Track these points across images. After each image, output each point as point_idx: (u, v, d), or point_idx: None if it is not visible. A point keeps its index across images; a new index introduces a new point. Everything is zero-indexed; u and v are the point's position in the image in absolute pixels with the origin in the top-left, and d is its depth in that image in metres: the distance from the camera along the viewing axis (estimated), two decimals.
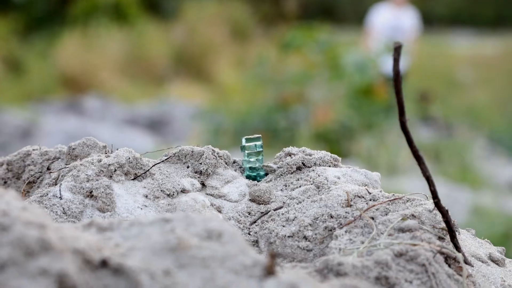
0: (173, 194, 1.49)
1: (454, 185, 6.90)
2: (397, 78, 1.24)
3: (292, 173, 1.56)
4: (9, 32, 12.69)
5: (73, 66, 11.70)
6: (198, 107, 9.60)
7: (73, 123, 8.47)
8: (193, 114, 8.93)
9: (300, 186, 1.53)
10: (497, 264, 1.44)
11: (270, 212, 1.49)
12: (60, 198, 1.42)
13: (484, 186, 7.28)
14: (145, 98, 10.86)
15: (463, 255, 1.35)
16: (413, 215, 1.38)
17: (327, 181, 1.52)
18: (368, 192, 1.47)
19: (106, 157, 1.50)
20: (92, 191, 1.43)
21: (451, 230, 1.35)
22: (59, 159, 1.59)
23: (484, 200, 6.60)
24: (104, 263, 1.04)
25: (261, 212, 1.51)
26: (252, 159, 1.58)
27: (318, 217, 1.43)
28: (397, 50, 1.23)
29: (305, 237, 1.42)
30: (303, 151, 1.60)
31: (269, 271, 1.08)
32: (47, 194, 1.43)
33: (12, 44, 12.61)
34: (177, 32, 13.44)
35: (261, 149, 1.58)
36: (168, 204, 1.47)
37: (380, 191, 1.48)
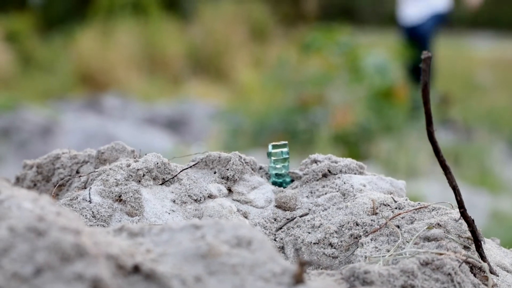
0: (200, 200, 1.51)
1: (473, 189, 6.89)
2: (425, 89, 1.25)
3: (317, 180, 1.58)
4: (28, 30, 12.77)
5: (92, 64, 11.76)
6: (217, 107, 9.62)
7: (92, 122, 8.52)
8: (212, 114, 8.95)
9: (325, 193, 1.54)
10: None
11: (296, 219, 1.50)
12: (90, 201, 1.44)
13: (504, 190, 7.26)
14: (163, 97, 10.89)
15: (489, 264, 1.36)
16: (438, 224, 1.39)
17: (353, 188, 1.54)
18: (394, 200, 1.48)
19: (135, 161, 1.52)
20: (121, 196, 1.46)
21: (476, 239, 1.36)
22: (88, 163, 1.62)
23: (503, 205, 6.58)
24: (136, 269, 1.06)
25: (287, 219, 1.52)
26: (278, 166, 1.60)
27: (343, 225, 1.45)
28: (426, 61, 1.24)
29: (330, 244, 1.43)
30: (329, 158, 1.61)
31: (298, 279, 1.09)
32: (77, 198, 1.45)
33: (32, 41, 12.68)
34: (195, 32, 13.47)
35: (287, 156, 1.60)
36: (195, 209, 1.49)
37: (406, 199, 1.50)
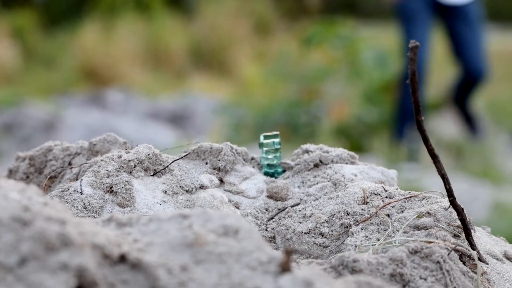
0: (192, 190, 1.51)
1: (475, 181, 6.88)
2: (413, 78, 1.25)
3: (309, 170, 1.58)
4: (32, 26, 12.78)
5: (95, 59, 11.77)
6: (220, 102, 9.62)
7: (95, 117, 8.53)
8: (214, 108, 8.95)
9: (317, 183, 1.55)
10: None
11: (287, 209, 1.51)
12: (81, 193, 1.44)
13: (506, 182, 7.25)
14: (166, 92, 10.90)
15: (478, 252, 1.36)
16: (428, 212, 1.39)
17: (344, 178, 1.54)
18: (384, 189, 1.48)
19: (126, 153, 1.53)
20: (112, 187, 1.46)
21: (466, 228, 1.36)
22: (80, 155, 1.62)
23: (506, 197, 6.58)
24: (122, 258, 1.07)
25: (278, 209, 1.52)
26: (270, 156, 1.60)
27: (334, 214, 1.45)
28: (413, 50, 1.24)
29: (321, 234, 1.43)
30: (321, 148, 1.61)
31: (285, 268, 1.09)
32: (68, 189, 1.45)
33: (35, 37, 12.70)
34: (198, 26, 13.47)
35: (279, 146, 1.60)
36: (187, 200, 1.50)
37: (396, 189, 1.50)
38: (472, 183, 6.82)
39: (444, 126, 9.26)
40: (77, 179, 1.52)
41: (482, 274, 1.32)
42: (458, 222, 1.38)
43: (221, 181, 1.57)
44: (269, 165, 1.61)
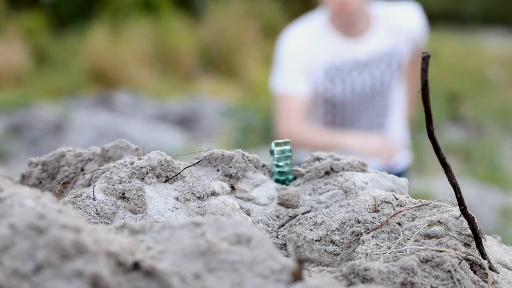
0: (203, 197, 1.52)
1: (483, 186, 6.89)
2: (424, 87, 1.26)
3: (320, 177, 1.59)
4: (41, 28, 12.82)
5: (104, 61, 11.81)
6: (228, 105, 9.63)
7: (104, 119, 8.55)
8: (222, 111, 8.97)
9: (328, 191, 1.55)
10: None
11: (298, 216, 1.51)
12: (94, 199, 1.45)
13: None
14: (174, 94, 10.93)
15: (489, 261, 1.36)
16: (439, 221, 1.40)
17: (355, 186, 1.55)
18: (395, 197, 1.49)
19: (139, 159, 1.53)
20: (124, 193, 1.47)
21: (477, 236, 1.36)
22: (93, 161, 1.63)
23: None
24: (136, 266, 1.07)
25: (289, 216, 1.53)
26: (281, 163, 1.61)
27: (345, 222, 1.46)
28: (425, 60, 1.25)
29: (332, 241, 1.44)
30: (332, 156, 1.62)
31: (297, 276, 1.10)
32: (81, 195, 1.46)
33: (44, 39, 12.74)
34: (206, 29, 13.49)
35: (290, 154, 1.61)
36: (198, 207, 1.50)
37: (407, 197, 1.50)
38: (480, 187, 6.82)
39: (451, 130, 9.25)
40: (89, 185, 1.53)
41: (492, 283, 1.32)
42: (469, 231, 1.38)
43: (233, 188, 1.57)
44: (280, 172, 1.61)
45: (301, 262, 1.11)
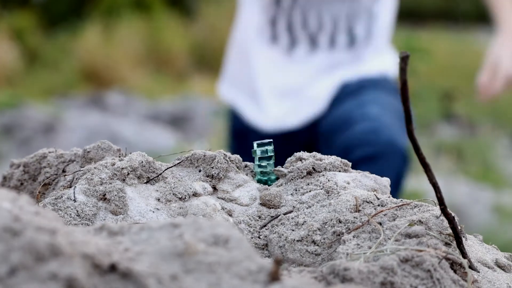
0: (185, 198, 1.52)
1: (476, 185, 6.89)
2: (404, 87, 1.26)
3: (302, 177, 1.59)
4: (32, 27, 12.80)
5: (95, 61, 11.79)
6: (220, 104, 9.62)
7: (95, 119, 8.54)
8: (215, 111, 8.97)
9: (310, 191, 1.55)
10: (503, 270, 1.45)
11: (280, 216, 1.51)
12: (74, 200, 1.45)
13: (507, 185, 7.26)
14: (167, 94, 10.92)
15: (469, 260, 1.37)
16: (420, 221, 1.40)
17: (337, 186, 1.54)
18: (377, 197, 1.49)
19: (120, 160, 1.53)
20: (105, 194, 1.47)
21: (457, 236, 1.36)
22: (74, 162, 1.63)
23: (507, 200, 6.58)
24: (112, 268, 1.07)
25: (271, 216, 1.53)
26: (263, 164, 1.61)
27: (327, 222, 1.45)
28: (403, 60, 1.24)
29: (313, 242, 1.44)
30: (314, 156, 1.62)
31: (274, 277, 1.10)
32: (62, 197, 1.46)
33: (36, 39, 12.71)
34: (199, 28, 13.48)
35: (272, 154, 1.61)
36: (180, 208, 1.50)
37: (389, 197, 1.50)
38: (473, 186, 6.82)
39: (444, 129, 9.26)
40: (70, 187, 1.53)
41: (473, 282, 1.32)
42: (450, 231, 1.39)
43: (214, 188, 1.57)
44: (262, 173, 1.61)
45: (278, 262, 1.11)
